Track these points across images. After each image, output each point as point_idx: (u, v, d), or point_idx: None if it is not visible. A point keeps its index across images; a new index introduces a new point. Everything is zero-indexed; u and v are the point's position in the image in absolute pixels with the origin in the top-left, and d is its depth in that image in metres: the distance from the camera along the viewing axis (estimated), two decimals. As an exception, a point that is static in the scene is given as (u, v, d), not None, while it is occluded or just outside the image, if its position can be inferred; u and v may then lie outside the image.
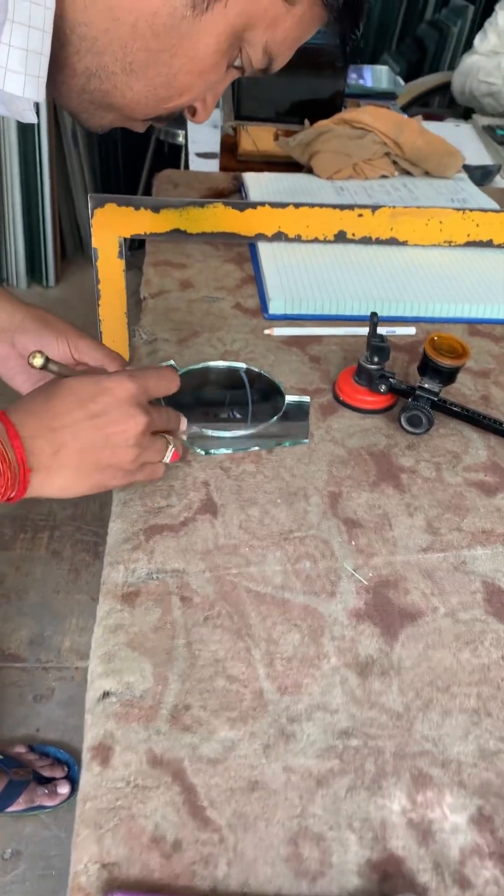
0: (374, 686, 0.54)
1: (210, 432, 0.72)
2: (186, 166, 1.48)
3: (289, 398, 0.77)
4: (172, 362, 0.78)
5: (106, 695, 0.52)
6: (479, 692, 0.54)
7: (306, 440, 0.73)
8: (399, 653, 0.56)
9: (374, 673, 0.54)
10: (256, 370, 0.80)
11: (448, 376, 0.75)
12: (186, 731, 0.50)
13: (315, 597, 0.60)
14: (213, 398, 0.78)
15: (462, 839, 0.46)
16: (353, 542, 0.64)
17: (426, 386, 0.75)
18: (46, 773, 1.31)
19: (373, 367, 0.77)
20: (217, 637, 0.56)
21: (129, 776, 0.47)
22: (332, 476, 0.71)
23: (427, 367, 0.75)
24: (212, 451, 0.71)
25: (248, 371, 0.80)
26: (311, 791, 0.47)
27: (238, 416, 0.75)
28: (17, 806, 1.27)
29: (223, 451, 0.71)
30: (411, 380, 0.82)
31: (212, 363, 0.81)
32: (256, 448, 0.72)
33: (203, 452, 0.71)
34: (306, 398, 0.77)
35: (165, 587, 0.59)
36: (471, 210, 1.03)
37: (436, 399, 0.75)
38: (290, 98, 1.31)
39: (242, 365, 0.81)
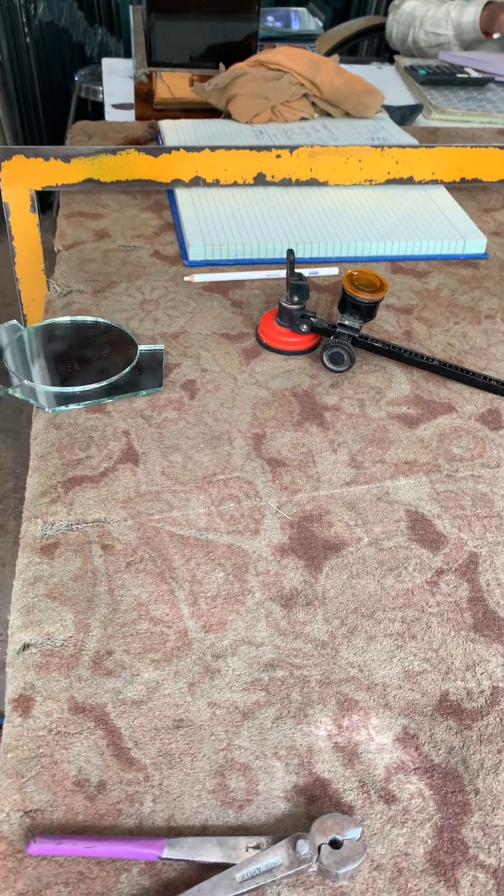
0: (299, 617, 0.53)
1: (58, 389, 0.69)
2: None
3: (141, 348, 0.74)
4: (14, 322, 0.76)
5: (26, 647, 0.50)
6: (404, 616, 0.54)
7: (160, 388, 0.71)
8: (323, 583, 0.56)
9: (298, 604, 0.54)
10: (107, 322, 0.77)
11: (367, 311, 0.75)
12: (109, 675, 0.49)
13: (239, 536, 0.59)
14: (64, 354, 0.75)
15: (387, 758, 0.46)
16: (278, 481, 0.64)
17: (346, 323, 0.75)
18: None
19: (293, 306, 0.76)
20: (140, 581, 0.55)
21: (50, 724, 0.46)
22: (256, 418, 0.70)
23: (346, 303, 0.75)
24: (61, 407, 0.69)
25: (97, 324, 0.78)
26: (237, 724, 0.47)
27: (90, 370, 0.72)
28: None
29: (73, 406, 0.69)
30: (333, 320, 0.81)
31: (59, 319, 0.78)
32: (109, 400, 0.70)
33: (50, 410, 0.68)
34: (160, 346, 0.75)
35: (85, 537, 0.58)
36: (389, 147, 1.02)
37: (356, 335, 0.75)
38: (204, 42, 1.27)
39: (92, 319, 0.78)
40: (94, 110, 2.47)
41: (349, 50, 2.42)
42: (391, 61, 1.78)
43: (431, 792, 0.45)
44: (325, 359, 0.74)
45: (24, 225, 0.99)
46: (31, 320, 1.09)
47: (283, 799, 0.44)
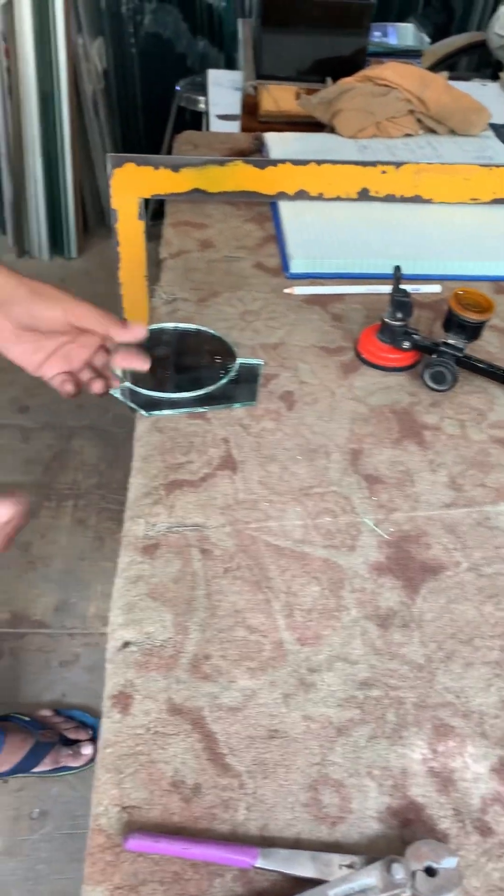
0: (395, 638, 0.53)
1: (156, 394, 0.70)
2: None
3: (240, 361, 0.74)
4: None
5: (126, 644, 0.52)
6: (503, 645, 0.53)
7: (254, 402, 0.71)
8: (420, 606, 0.55)
9: (394, 625, 0.54)
10: (211, 332, 0.78)
11: (473, 332, 0.74)
12: (206, 679, 0.50)
13: (335, 551, 0.59)
14: (165, 360, 0.75)
15: (483, 788, 0.45)
16: (375, 498, 0.63)
17: (451, 342, 0.74)
18: (71, 735, 1.32)
19: (396, 323, 0.75)
20: (237, 588, 0.56)
21: (148, 723, 0.47)
22: (354, 433, 0.70)
23: (452, 323, 0.74)
24: (155, 412, 0.69)
25: (199, 332, 0.78)
26: (331, 739, 0.47)
27: (187, 378, 0.73)
28: (44, 766, 1.29)
29: (168, 412, 0.70)
30: (436, 337, 0.80)
31: (165, 325, 0.79)
32: (202, 410, 0.70)
33: (146, 414, 0.69)
34: (259, 361, 0.75)
35: (185, 540, 0.59)
36: (497, 166, 1.00)
37: (461, 355, 0.74)
38: (312, 56, 1.28)
39: (195, 327, 0.79)
40: (193, 119, 2.52)
41: (448, 66, 2.40)
42: (494, 77, 1.76)
43: (529, 828, 0.44)
44: (426, 377, 0.74)
45: (131, 231, 1.01)
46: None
47: (376, 819, 0.44)
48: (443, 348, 0.74)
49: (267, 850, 0.41)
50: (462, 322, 0.73)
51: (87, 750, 1.31)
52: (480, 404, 0.74)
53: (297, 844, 0.42)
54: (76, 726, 1.35)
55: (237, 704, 0.49)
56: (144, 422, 0.69)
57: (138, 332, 0.64)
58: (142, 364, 0.65)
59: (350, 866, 0.41)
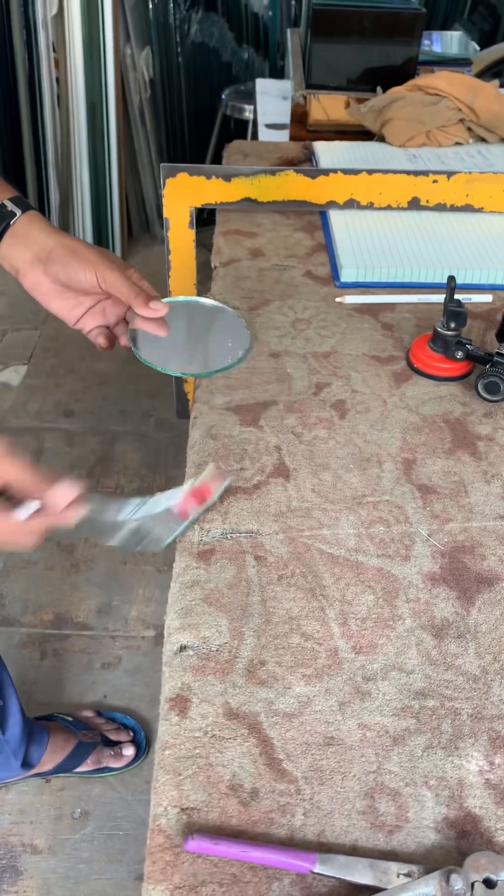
0: (451, 648, 0.53)
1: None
2: (255, 139, 1.47)
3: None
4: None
5: (183, 648, 0.52)
6: None
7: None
8: (476, 617, 0.55)
9: (450, 635, 0.54)
10: (230, 310, 0.80)
11: (527, 342, 0.73)
12: (262, 685, 0.50)
13: (389, 560, 0.59)
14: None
15: (542, 802, 0.45)
16: (428, 508, 0.63)
17: (504, 352, 0.74)
18: (113, 736, 1.34)
19: (449, 333, 0.75)
20: (291, 595, 0.56)
21: (206, 727, 0.48)
22: (406, 443, 0.70)
23: (505, 333, 0.73)
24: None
25: (219, 310, 0.80)
26: (387, 748, 0.47)
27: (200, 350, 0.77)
28: (85, 767, 1.30)
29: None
30: (489, 348, 0.80)
31: (189, 298, 0.82)
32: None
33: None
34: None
35: (239, 546, 0.60)
36: (550, 175, 0.99)
37: (514, 366, 0.74)
38: (362, 65, 1.29)
39: (214, 303, 0.81)
40: (238, 128, 2.54)
41: (495, 73, 2.38)
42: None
43: None
44: (479, 387, 0.74)
45: (182, 240, 1.03)
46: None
47: (433, 829, 0.44)
48: (497, 359, 0.74)
49: (325, 855, 0.41)
50: (516, 332, 0.72)
51: (128, 751, 1.32)
52: (534, 415, 0.73)
53: (353, 851, 0.43)
54: (117, 728, 1.36)
55: (293, 711, 0.49)
56: (198, 429, 0.70)
57: (158, 312, 0.68)
58: (158, 331, 0.69)
59: (408, 875, 0.41)
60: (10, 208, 0.69)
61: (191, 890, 0.41)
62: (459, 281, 0.91)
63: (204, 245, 1.03)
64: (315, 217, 1.04)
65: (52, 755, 1.28)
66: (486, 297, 0.89)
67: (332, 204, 1.01)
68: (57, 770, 1.29)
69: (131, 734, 1.36)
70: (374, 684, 0.51)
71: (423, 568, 0.59)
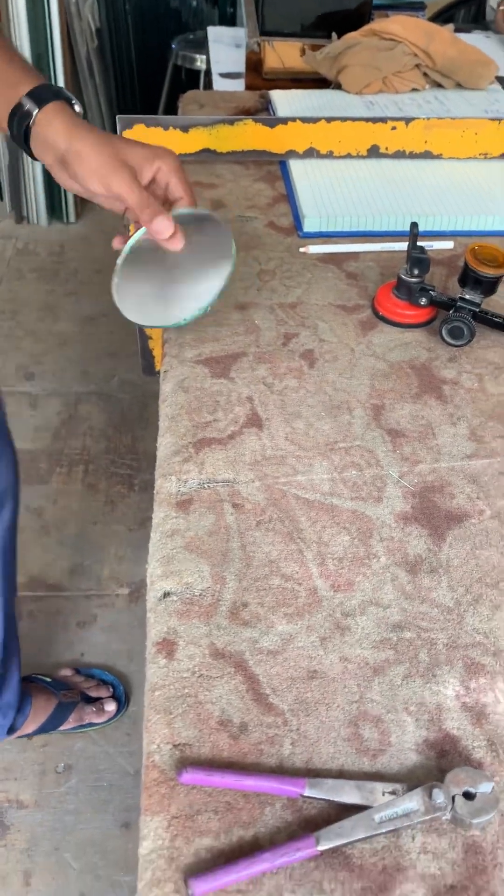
0: (424, 583, 0.55)
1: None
2: (208, 89, 1.44)
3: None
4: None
5: (166, 595, 0.54)
6: (528, 588, 0.55)
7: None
8: (447, 552, 0.57)
9: (423, 571, 0.56)
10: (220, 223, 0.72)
11: (489, 286, 0.75)
12: (245, 625, 0.52)
13: (362, 502, 0.61)
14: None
15: (515, 720, 0.48)
16: (398, 451, 0.65)
17: (467, 297, 0.75)
18: (93, 693, 1.36)
19: (413, 279, 0.76)
20: (270, 540, 0.57)
21: (193, 667, 0.49)
22: (375, 389, 0.71)
23: (468, 278, 0.75)
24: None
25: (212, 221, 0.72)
26: (368, 679, 0.50)
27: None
28: (68, 725, 1.32)
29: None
30: (451, 293, 0.81)
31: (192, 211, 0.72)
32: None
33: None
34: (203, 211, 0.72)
35: (217, 495, 0.61)
36: (507, 119, 1.00)
37: (477, 310, 0.75)
38: (316, 10, 1.27)
39: (207, 212, 0.73)
40: (189, 78, 2.48)
41: (447, 19, 2.35)
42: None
43: None
44: (444, 333, 0.75)
45: (142, 193, 1.01)
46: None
47: (414, 751, 0.46)
48: (459, 304, 0.75)
49: (314, 780, 0.43)
50: (478, 277, 0.74)
51: (109, 706, 1.34)
52: (497, 358, 0.75)
53: (340, 775, 0.45)
54: (97, 684, 1.38)
55: (276, 648, 0.51)
56: (169, 382, 0.71)
57: (161, 233, 0.64)
58: (170, 246, 0.66)
59: (393, 793, 0.43)
60: (26, 107, 0.63)
61: (187, 819, 0.43)
62: (422, 228, 0.92)
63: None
64: (275, 167, 1.04)
65: (35, 717, 1.29)
66: (448, 244, 0.90)
67: (291, 153, 1.00)
68: (41, 731, 1.30)
69: (111, 689, 1.38)
70: (353, 619, 0.53)
71: (396, 508, 0.60)
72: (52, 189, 2.57)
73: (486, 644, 0.52)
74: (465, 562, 0.57)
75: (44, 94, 0.64)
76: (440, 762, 0.46)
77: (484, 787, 0.43)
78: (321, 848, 0.41)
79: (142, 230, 0.66)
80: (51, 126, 0.63)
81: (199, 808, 0.43)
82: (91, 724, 1.34)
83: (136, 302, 0.70)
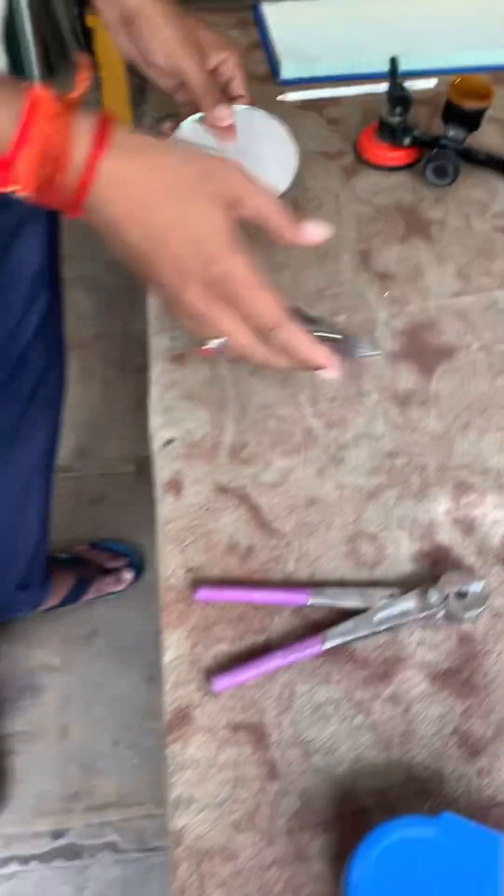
0: (414, 414, 0.58)
1: None
2: None
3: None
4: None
5: (169, 441, 0.56)
6: (514, 412, 0.58)
7: None
8: (436, 385, 0.59)
9: (413, 403, 0.58)
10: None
11: (473, 121, 0.73)
12: (246, 464, 0.55)
13: (353, 344, 0.62)
14: None
15: (502, 530, 0.51)
16: (388, 293, 0.66)
17: (451, 134, 0.74)
18: (109, 564, 1.43)
19: (395, 119, 0.74)
20: (264, 386, 0.59)
21: (200, 502, 0.53)
22: (362, 234, 0.71)
23: (451, 113, 0.73)
24: None
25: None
26: (364, 502, 0.53)
27: None
28: (89, 596, 1.40)
29: None
30: (435, 132, 0.79)
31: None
32: None
33: None
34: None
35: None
36: None
37: (461, 147, 0.74)
38: None
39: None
40: None
41: None
42: None
43: (543, 556, 0.50)
44: (428, 172, 0.74)
45: (111, 52, 0.97)
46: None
47: (409, 561, 0.50)
48: (443, 141, 0.74)
49: (318, 588, 0.47)
50: (461, 112, 0.72)
51: (127, 575, 1.41)
52: (483, 196, 0.74)
53: (342, 585, 0.49)
54: (112, 556, 1.44)
55: (276, 481, 0.54)
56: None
57: (220, 121, 0.65)
58: (223, 138, 0.66)
59: (391, 596, 0.47)
60: None
61: (204, 629, 0.47)
62: (403, 67, 0.88)
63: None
64: (248, 13, 0.99)
65: (56, 593, 1.36)
66: (431, 83, 0.87)
67: (264, -5, 0.95)
68: (62, 605, 1.38)
69: (126, 560, 1.45)
70: (347, 451, 0.55)
71: (386, 347, 0.62)
72: (16, 67, 2.43)
73: (475, 465, 0.55)
74: (453, 393, 0.59)
75: None
76: (433, 569, 0.49)
77: (475, 587, 0.47)
78: (327, 646, 0.45)
79: (196, 115, 0.66)
80: None
81: (214, 620, 0.47)
82: (110, 594, 1.41)
83: None
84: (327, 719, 0.44)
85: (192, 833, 0.40)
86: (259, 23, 0.96)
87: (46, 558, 1.23)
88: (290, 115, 0.83)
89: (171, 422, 0.57)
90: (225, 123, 0.65)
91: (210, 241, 0.44)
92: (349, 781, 0.42)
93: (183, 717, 0.44)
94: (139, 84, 0.92)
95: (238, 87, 0.68)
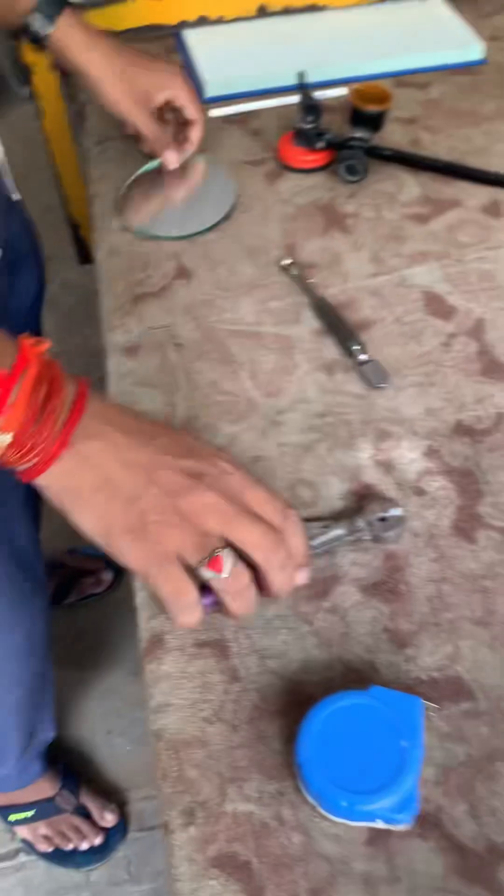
0: (339, 379, 0.66)
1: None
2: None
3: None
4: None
5: (128, 420, 0.64)
6: (425, 371, 0.67)
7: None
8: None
9: (338, 370, 0.67)
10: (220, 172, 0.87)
11: (376, 122, 0.83)
12: (198, 433, 0.63)
13: (283, 326, 0.71)
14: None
15: (417, 467, 0.60)
16: (312, 280, 0.75)
17: (358, 135, 0.83)
18: (88, 566, 1.49)
19: (308, 126, 0.84)
20: (210, 367, 0.68)
21: (159, 468, 0.60)
22: (286, 231, 0.80)
23: (356, 117, 0.83)
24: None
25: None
26: (301, 456, 0.61)
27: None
28: (71, 599, 1.46)
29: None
30: (346, 135, 0.89)
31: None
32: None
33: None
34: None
35: (159, 339, 0.70)
36: (385, -39, 1.04)
37: (368, 146, 0.83)
38: None
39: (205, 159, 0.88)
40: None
41: None
42: None
43: (453, 485, 0.59)
44: (341, 171, 0.83)
45: (49, 83, 1.05)
46: (65, 175, 1.17)
47: (339, 499, 0.59)
48: (352, 142, 0.83)
49: (263, 528, 0.55)
50: (365, 115, 0.82)
51: (107, 575, 1.48)
52: (391, 188, 0.84)
53: (285, 525, 0.57)
54: (89, 558, 1.51)
55: (226, 444, 0.62)
56: (102, 249, 0.79)
57: (170, 164, 0.83)
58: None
59: (325, 527, 0.55)
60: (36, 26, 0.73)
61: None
62: (315, 78, 0.98)
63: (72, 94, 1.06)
64: (171, 41, 1.08)
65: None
66: (341, 91, 0.97)
67: (183, 24, 1.05)
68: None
69: (103, 562, 1.52)
70: (284, 415, 0.64)
71: (312, 326, 0.71)
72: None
73: (393, 417, 0.64)
74: (372, 357, 0.68)
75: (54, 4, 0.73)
76: (360, 503, 0.58)
77: (395, 512, 0.56)
78: (274, 573, 0.53)
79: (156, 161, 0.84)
80: (71, 40, 0.74)
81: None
82: (92, 595, 1.48)
83: (145, 216, 0.82)
84: (277, 630, 0.52)
85: (169, 730, 0.48)
86: (182, 48, 1.06)
87: None
88: (217, 130, 0.92)
89: (128, 404, 0.65)
90: (172, 167, 0.80)
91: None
92: (298, 677, 0.50)
93: (157, 641, 0.52)
94: (78, 110, 1.00)
95: (189, 112, 0.81)
